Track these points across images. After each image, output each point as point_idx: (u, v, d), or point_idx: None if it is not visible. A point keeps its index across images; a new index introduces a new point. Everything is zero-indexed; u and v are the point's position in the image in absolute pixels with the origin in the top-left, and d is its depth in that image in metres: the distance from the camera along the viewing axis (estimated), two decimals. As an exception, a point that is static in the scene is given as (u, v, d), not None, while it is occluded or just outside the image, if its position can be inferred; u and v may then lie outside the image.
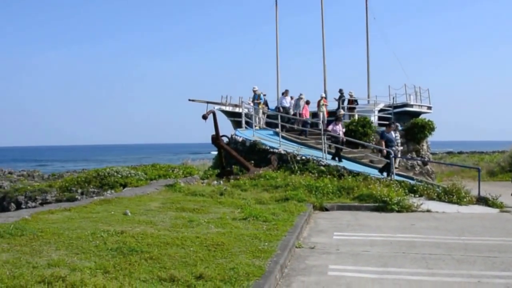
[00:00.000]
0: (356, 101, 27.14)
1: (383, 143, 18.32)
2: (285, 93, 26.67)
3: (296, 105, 25.91)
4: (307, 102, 25.84)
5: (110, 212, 10.80)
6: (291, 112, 25.91)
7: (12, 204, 21.83)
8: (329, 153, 20.00)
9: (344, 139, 20.26)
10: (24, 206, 20.38)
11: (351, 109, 26.73)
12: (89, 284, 5.39)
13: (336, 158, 19.35)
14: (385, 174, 17.36)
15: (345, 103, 27.03)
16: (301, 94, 26.24)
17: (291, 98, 26.53)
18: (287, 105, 26.14)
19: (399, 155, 19.99)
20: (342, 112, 24.02)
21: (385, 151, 18.04)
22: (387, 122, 25.56)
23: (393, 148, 18.40)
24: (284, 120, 24.75)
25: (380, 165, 19.23)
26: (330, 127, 20.41)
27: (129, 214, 10.57)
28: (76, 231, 8.54)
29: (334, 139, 20.21)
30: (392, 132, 19.17)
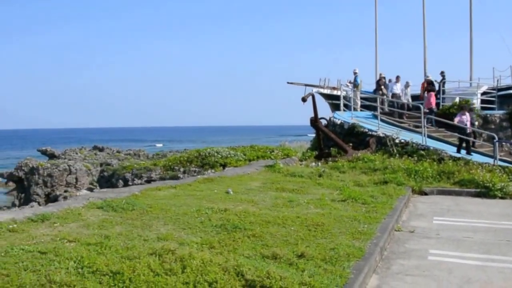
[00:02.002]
0: (432, 83, 25.65)
1: None
2: (396, 80, 25.86)
3: (404, 93, 25.25)
4: (433, 90, 24.32)
5: (213, 191, 11.23)
6: (403, 99, 25.18)
7: (120, 181, 23.02)
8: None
9: (470, 130, 19.00)
10: (130, 183, 21.35)
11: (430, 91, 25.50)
12: (197, 258, 5.58)
13: (462, 151, 18.07)
14: None
15: (444, 86, 25.80)
16: (407, 82, 25.57)
17: (407, 84, 25.80)
18: (397, 91, 25.18)
19: None
20: (474, 102, 22.96)
21: None
22: (492, 106, 24.48)
23: None
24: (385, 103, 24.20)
25: (482, 150, 18.51)
26: (456, 119, 19.22)
27: (231, 192, 10.93)
28: (182, 207, 8.98)
29: (460, 130, 18.97)
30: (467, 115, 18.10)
